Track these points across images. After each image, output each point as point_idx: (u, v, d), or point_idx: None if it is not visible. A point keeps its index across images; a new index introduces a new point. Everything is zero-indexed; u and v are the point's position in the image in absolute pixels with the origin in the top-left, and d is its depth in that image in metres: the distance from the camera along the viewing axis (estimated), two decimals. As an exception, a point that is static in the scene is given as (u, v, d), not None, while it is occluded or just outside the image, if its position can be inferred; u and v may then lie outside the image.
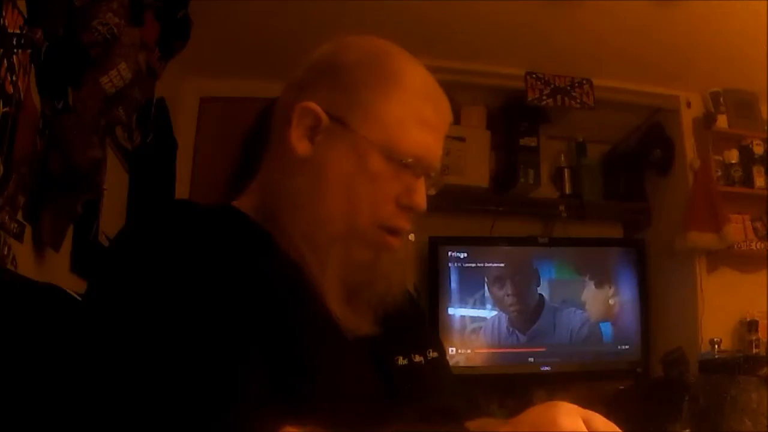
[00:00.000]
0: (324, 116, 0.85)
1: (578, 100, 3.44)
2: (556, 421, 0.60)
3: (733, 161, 3.53)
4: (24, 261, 1.64)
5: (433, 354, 0.94)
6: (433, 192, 0.92)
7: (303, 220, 0.83)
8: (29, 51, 1.61)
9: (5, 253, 1.55)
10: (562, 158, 3.88)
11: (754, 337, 3.27)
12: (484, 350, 3.40)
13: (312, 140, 0.85)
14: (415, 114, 0.86)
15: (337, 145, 0.85)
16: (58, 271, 1.90)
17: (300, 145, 0.85)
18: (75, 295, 0.92)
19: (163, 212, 0.84)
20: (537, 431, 0.60)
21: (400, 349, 0.89)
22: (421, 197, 0.88)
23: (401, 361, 0.88)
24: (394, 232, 0.87)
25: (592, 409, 0.63)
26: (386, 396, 0.82)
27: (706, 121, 3.52)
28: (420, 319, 1.04)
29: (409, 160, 0.85)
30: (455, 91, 3.61)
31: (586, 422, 0.60)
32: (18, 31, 1.54)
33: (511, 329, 3.42)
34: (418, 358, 0.91)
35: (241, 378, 0.67)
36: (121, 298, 0.71)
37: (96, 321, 0.71)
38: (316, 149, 0.85)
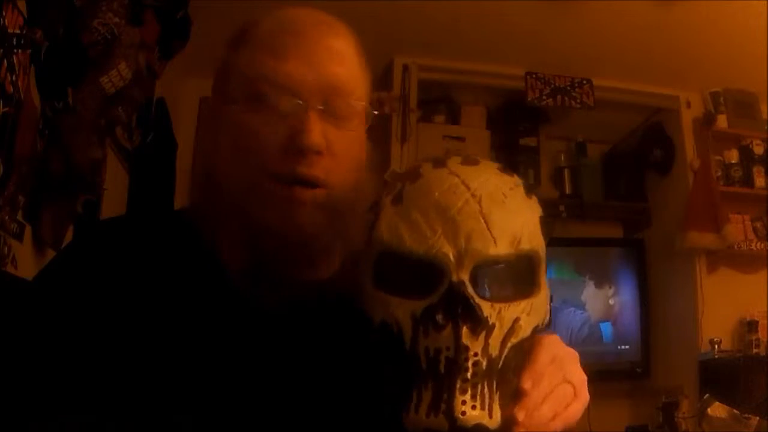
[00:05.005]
0: (207, 97, 0.84)
1: (578, 100, 3.45)
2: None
3: (733, 161, 3.53)
4: (24, 261, 1.64)
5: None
6: (362, 122, 0.81)
7: (216, 221, 0.79)
8: (29, 51, 1.61)
9: (5, 253, 1.55)
10: (562, 158, 3.88)
11: (754, 337, 3.27)
12: (484, 350, 3.41)
13: (213, 126, 0.83)
14: (264, 48, 0.77)
15: (217, 116, 0.82)
16: (58, 271, 1.90)
17: (205, 131, 0.84)
18: None
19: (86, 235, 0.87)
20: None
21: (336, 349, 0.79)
22: (305, 134, 0.74)
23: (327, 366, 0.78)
24: (293, 181, 0.75)
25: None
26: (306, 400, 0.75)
27: (706, 121, 3.52)
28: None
29: (270, 97, 0.75)
30: (455, 91, 3.63)
31: None
32: (18, 31, 1.54)
33: (511, 329, 3.42)
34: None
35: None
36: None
37: None
38: (213, 131, 0.83)
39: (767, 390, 2.88)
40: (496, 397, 0.66)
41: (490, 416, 0.65)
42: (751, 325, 3.30)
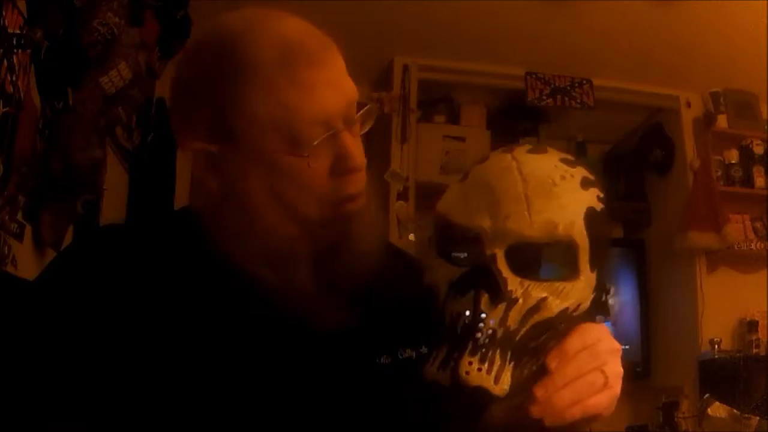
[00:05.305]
0: (212, 146, 0.76)
1: (578, 100, 3.45)
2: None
3: (733, 161, 3.53)
4: (24, 261, 1.64)
5: (425, 349, 0.83)
6: (369, 124, 0.82)
7: (247, 251, 0.77)
8: (29, 51, 1.61)
9: (5, 253, 1.55)
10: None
11: (754, 337, 3.27)
12: (484, 350, 3.41)
13: (216, 173, 0.77)
14: (286, 84, 0.73)
15: (240, 165, 0.76)
16: (58, 271, 1.89)
17: (208, 183, 0.78)
18: None
19: (90, 242, 0.84)
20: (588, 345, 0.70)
21: (387, 343, 0.81)
22: (351, 157, 0.76)
23: (384, 359, 0.81)
24: (347, 200, 0.78)
25: None
26: (344, 406, 0.76)
27: (706, 121, 3.52)
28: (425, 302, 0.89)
29: (308, 134, 0.74)
30: (455, 91, 3.63)
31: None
32: (18, 31, 1.54)
33: (511, 329, 3.42)
34: (407, 354, 0.82)
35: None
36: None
37: None
38: (224, 180, 0.77)
39: (767, 390, 2.88)
40: (509, 368, 0.68)
41: (496, 382, 0.67)
42: (751, 325, 3.30)
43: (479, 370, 0.67)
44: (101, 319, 0.72)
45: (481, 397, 0.67)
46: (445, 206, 0.76)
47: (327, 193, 0.76)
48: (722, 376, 3.08)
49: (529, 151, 0.76)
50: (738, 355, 3.18)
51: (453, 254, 0.75)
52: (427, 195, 3.36)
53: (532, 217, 0.70)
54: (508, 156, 0.75)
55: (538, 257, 0.71)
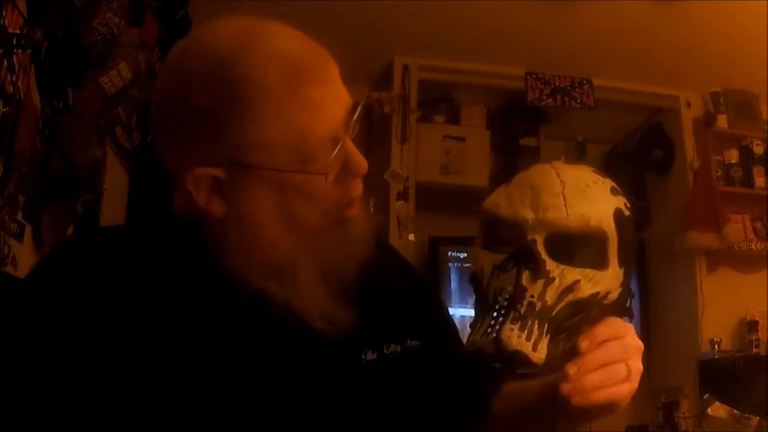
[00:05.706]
0: (218, 171, 0.74)
1: (578, 100, 3.45)
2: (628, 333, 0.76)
3: (733, 161, 3.53)
4: (24, 261, 1.64)
5: (412, 342, 0.83)
6: (359, 122, 0.80)
7: (249, 265, 0.76)
8: (29, 51, 1.61)
9: (5, 253, 1.55)
10: (562, 158, 3.86)
11: (754, 337, 3.27)
12: (484, 350, 3.41)
13: (221, 195, 0.75)
14: (295, 102, 0.73)
15: (248, 187, 0.74)
16: (58, 271, 1.89)
17: (212, 207, 0.75)
18: None
19: (70, 253, 0.80)
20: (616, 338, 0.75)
21: (373, 338, 0.81)
22: (357, 162, 0.77)
23: (369, 355, 0.79)
24: (349, 204, 0.79)
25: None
26: (336, 405, 0.76)
27: (706, 121, 3.52)
28: (411, 295, 0.89)
29: (320, 151, 0.74)
30: (455, 91, 3.63)
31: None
32: (18, 31, 1.54)
33: (511, 329, 3.42)
34: (392, 348, 0.81)
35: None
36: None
37: None
38: (230, 203, 0.75)
39: (767, 390, 2.88)
40: (545, 339, 0.77)
41: (534, 350, 0.76)
42: (751, 325, 3.30)
43: (519, 336, 0.75)
44: (90, 321, 0.71)
45: (519, 361, 0.75)
46: (491, 203, 0.88)
47: (333, 200, 0.77)
48: (722, 376, 3.08)
49: (566, 163, 0.89)
50: (738, 355, 3.18)
51: (497, 247, 0.85)
52: (427, 195, 3.36)
53: (568, 210, 0.81)
54: (548, 165, 0.88)
55: (572, 247, 0.81)
